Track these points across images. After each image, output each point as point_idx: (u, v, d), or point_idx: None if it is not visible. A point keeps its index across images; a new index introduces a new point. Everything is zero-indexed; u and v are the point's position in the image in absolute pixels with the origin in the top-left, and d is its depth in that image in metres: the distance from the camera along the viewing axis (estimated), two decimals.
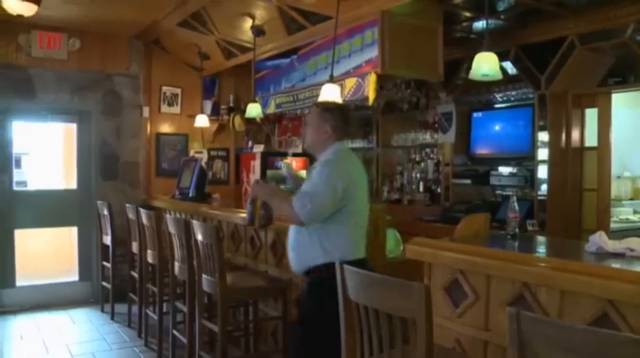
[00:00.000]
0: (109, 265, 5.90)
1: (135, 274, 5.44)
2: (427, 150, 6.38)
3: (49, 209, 6.47)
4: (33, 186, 6.61)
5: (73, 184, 6.69)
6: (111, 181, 6.63)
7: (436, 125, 6.14)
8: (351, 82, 4.66)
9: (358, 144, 7.03)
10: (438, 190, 6.09)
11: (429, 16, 4.50)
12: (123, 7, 5.58)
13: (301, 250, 3.08)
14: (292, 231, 3.14)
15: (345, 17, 4.41)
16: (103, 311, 6.07)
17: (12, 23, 5.80)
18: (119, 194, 6.53)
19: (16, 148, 6.34)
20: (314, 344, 2.98)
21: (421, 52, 4.51)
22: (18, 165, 6.41)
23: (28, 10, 5.13)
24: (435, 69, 4.63)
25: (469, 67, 3.66)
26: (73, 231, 6.69)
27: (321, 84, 4.51)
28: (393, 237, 4.32)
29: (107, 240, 5.92)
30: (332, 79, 4.45)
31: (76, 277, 6.68)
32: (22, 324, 5.80)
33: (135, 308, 5.45)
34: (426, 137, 6.31)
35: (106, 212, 5.87)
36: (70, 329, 5.63)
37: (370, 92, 4.44)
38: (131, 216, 5.41)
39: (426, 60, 4.57)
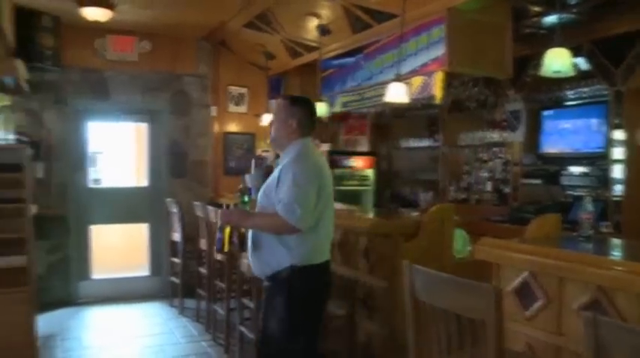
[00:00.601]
0: (178, 261, 6.07)
1: (203, 270, 5.57)
2: (495, 149, 6.25)
3: (121, 206, 6.73)
4: (107, 183, 6.88)
5: (144, 182, 6.93)
6: (180, 179, 6.82)
7: (504, 123, 6.01)
8: (417, 81, 4.63)
9: (424, 143, 6.97)
10: (506, 190, 5.96)
11: (497, 12, 4.42)
12: (191, 10, 5.73)
13: (261, 255, 2.94)
14: (255, 234, 2.97)
15: (411, 15, 4.38)
16: (172, 305, 6.24)
17: (88, 29, 6.08)
18: (188, 192, 6.70)
19: (92, 147, 6.65)
20: (291, 334, 2.88)
21: (489, 49, 4.43)
22: (93, 163, 6.69)
23: (103, 16, 5.36)
24: (503, 66, 4.53)
25: (538, 64, 3.56)
26: (144, 228, 6.92)
27: (387, 82, 4.50)
28: (460, 238, 4.26)
29: (176, 236, 6.09)
30: (398, 78, 4.42)
31: (147, 272, 6.92)
32: (96, 315, 6.08)
33: (203, 304, 5.60)
34: (494, 136, 6.19)
35: (175, 209, 6.04)
36: (141, 322, 5.84)
37: (437, 90, 4.40)
38: (199, 213, 5.54)
39: (494, 57, 4.49)
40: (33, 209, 4.82)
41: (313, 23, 5.42)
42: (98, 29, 6.13)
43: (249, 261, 3.08)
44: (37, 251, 5.42)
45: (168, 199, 6.26)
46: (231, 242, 3.26)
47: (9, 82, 5.36)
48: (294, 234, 2.80)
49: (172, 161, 6.82)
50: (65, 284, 6.37)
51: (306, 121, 3.05)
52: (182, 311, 5.98)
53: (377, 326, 3.87)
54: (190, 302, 5.92)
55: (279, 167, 2.96)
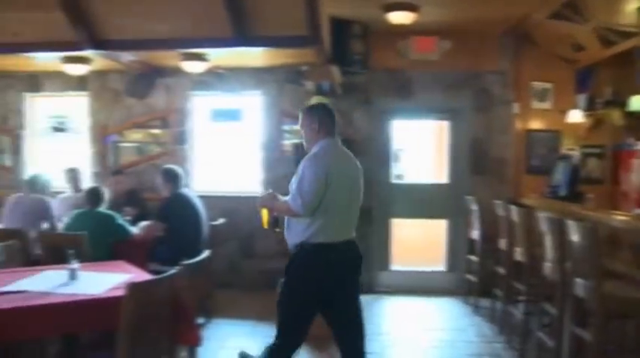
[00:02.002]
0: (475, 259, 6.03)
1: (501, 270, 5.44)
2: None
3: (422, 201, 6.95)
4: (409, 179, 7.17)
5: (444, 178, 7.03)
6: (480, 177, 6.75)
7: None
8: None
9: None
10: None
11: None
12: (492, 5, 5.60)
13: (289, 232, 3.51)
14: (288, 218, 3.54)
15: None
16: (466, 303, 6.23)
17: (393, 33, 6.39)
18: (487, 189, 6.60)
19: (395, 145, 7.01)
20: (287, 296, 3.46)
21: None
22: (396, 159, 7.05)
23: (407, 19, 5.61)
24: None
25: None
26: (442, 224, 7.03)
27: None
28: None
29: (475, 234, 6.06)
30: None
31: (443, 267, 7.03)
32: (393, 304, 6.40)
33: (499, 305, 5.46)
34: None
35: (474, 207, 6.01)
36: (435, 316, 5.97)
37: None
38: (500, 212, 5.43)
39: None
40: None
41: (632, 5, 4.85)
42: (402, 32, 6.40)
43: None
44: None
45: (468, 197, 6.25)
46: (269, 221, 3.72)
47: (326, 85, 5.96)
48: (300, 217, 3.36)
49: (472, 158, 6.78)
50: (367, 272, 6.78)
51: (325, 123, 3.49)
52: (476, 309, 5.93)
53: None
54: (485, 302, 5.83)
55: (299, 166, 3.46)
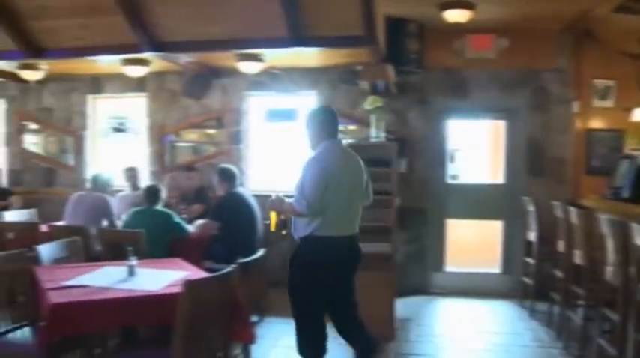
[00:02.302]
0: (531, 261, 5.89)
1: (558, 273, 5.29)
2: None
3: (477, 202, 6.84)
4: (463, 179, 7.07)
5: (499, 179, 6.90)
6: (537, 177, 6.58)
7: None
8: None
9: None
10: None
11: None
12: (551, 0, 5.46)
13: (295, 228, 3.80)
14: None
15: None
16: (522, 306, 6.09)
17: (448, 31, 6.32)
18: (545, 190, 6.43)
19: (451, 145, 6.92)
20: (296, 287, 3.73)
21: None
22: (452, 159, 6.95)
23: (464, 17, 5.53)
24: None
25: None
26: (497, 225, 6.90)
27: None
28: None
29: (531, 236, 5.92)
30: None
31: (498, 269, 6.89)
32: (447, 306, 6.33)
33: (556, 309, 5.32)
34: None
35: (531, 208, 5.88)
36: (489, 318, 5.87)
37: None
38: (558, 213, 5.29)
39: None
40: (397, 201, 5.26)
41: None
42: (457, 30, 6.31)
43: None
44: (398, 240, 5.88)
45: (525, 197, 6.12)
46: (277, 224, 4.02)
47: (381, 85, 5.94)
48: (306, 217, 3.63)
49: (529, 159, 6.62)
50: (421, 273, 6.78)
51: (326, 127, 3.78)
52: (532, 313, 5.79)
53: None
54: (542, 306, 5.68)
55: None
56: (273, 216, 4.05)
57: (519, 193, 6.48)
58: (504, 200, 6.77)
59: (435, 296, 6.61)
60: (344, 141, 6.09)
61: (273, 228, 4.12)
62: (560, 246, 5.27)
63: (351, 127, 6.97)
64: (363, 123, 6.55)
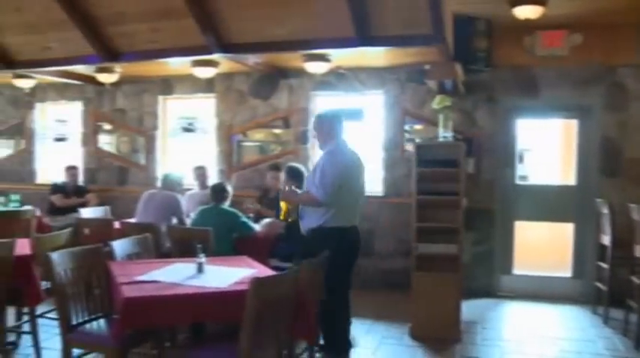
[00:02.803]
0: (605, 266, 5.66)
1: (636, 279, 5.06)
2: None
3: (546, 203, 6.63)
4: (533, 180, 6.88)
5: (570, 180, 6.67)
6: (611, 178, 6.31)
7: None
8: None
9: None
10: None
11: None
12: None
13: (304, 220, 4.30)
14: (302, 207, 4.33)
15: None
16: (594, 312, 5.87)
17: (518, 27, 6.11)
18: (620, 192, 6.16)
19: (520, 144, 6.74)
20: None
21: None
22: (521, 160, 6.77)
23: (534, 13, 5.38)
24: None
25: None
26: (568, 227, 6.67)
27: None
28: None
29: (605, 240, 5.68)
30: None
31: (568, 273, 6.66)
32: (515, 310, 6.18)
33: (633, 317, 5.10)
34: None
35: (605, 210, 5.64)
36: (559, 324, 5.68)
37: None
38: (636, 216, 5.07)
39: None
40: (464, 202, 5.18)
41: None
42: (527, 27, 6.11)
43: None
44: (465, 241, 5.77)
45: (598, 199, 5.88)
46: (286, 213, 4.47)
47: (448, 84, 5.86)
48: (320, 206, 4.11)
49: (603, 159, 6.36)
50: (488, 275, 6.64)
51: (333, 128, 4.31)
52: (606, 320, 5.56)
53: None
54: (617, 313, 5.46)
55: (316, 162, 4.35)
56: (284, 206, 4.49)
57: (592, 195, 6.24)
58: (575, 202, 6.54)
59: (503, 300, 6.46)
60: (416, 140, 6.19)
61: (282, 217, 4.58)
62: (638, 250, 5.04)
63: (417, 127, 6.92)
64: (430, 122, 6.48)
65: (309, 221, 4.24)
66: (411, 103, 6.82)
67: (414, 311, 5.17)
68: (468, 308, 5.64)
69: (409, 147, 6.67)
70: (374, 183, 6.96)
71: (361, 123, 7.10)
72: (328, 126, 4.33)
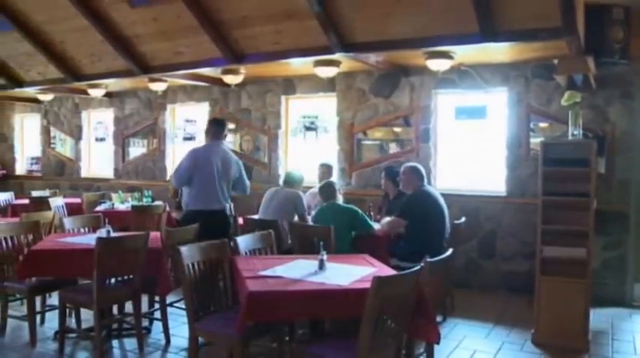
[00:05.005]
0: None
1: None
2: None
3: None
4: None
5: None
6: None
7: None
8: None
9: None
10: None
11: None
12: None
13: None
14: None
15: None
16: None
17: None
18: None
19: None
20: None
21: None
22: None
23: None
24: None
25: None
26: None
27: None
28: None
29: None
30: None
31: None
32: None
33: None
34: None
35: None
36: None
37: None
38: None
39: None
40: (594, 203, 4.89)
41: None
42: None
43: None
44: (595, 246, 5.44)
45: None
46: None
47: (578, 79, 5.53)
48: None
49: None
50: (620, 283, 6.21)
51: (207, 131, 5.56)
52: None
53: None
54: None
55: None
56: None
57: None
58: None
59: (637, 310, 6.01)
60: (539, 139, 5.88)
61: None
62: None
63: (542, 125, 6.61)
64: (557, 120, 6.18)
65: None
66: (537, 100, 6.52)
67: (537, 317, 4.95)
68: (597, 317, 5.34)
69: (535, 146, 6.39)
70: (496, 182, 6.78)
71: (484, 121, 6.92)
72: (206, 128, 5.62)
